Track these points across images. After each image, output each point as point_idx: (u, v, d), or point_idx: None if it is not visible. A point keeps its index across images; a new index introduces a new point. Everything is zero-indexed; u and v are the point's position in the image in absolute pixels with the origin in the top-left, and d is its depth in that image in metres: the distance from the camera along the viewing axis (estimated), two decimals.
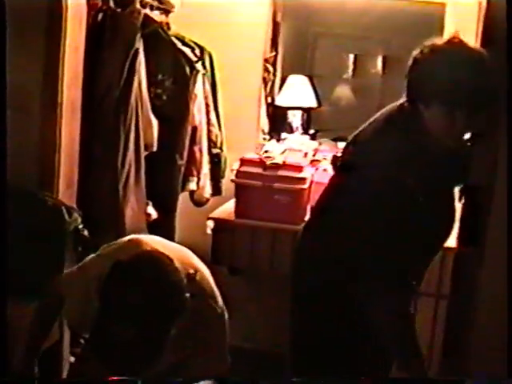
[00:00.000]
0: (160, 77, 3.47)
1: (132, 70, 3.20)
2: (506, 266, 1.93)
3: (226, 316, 2.21)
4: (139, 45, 3.24)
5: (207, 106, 3.81)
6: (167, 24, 3.61)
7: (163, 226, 3.50)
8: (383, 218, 2.04)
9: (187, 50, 3.59)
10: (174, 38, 3.55)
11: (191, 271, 2.06)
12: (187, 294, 1.91)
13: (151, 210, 3.49)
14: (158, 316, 1.86)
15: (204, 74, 3.73)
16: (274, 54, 4.28)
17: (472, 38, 3.60)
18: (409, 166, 2.03)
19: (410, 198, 2.02)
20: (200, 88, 3.69)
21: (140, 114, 3.27)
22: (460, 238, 2.92)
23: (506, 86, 1.98)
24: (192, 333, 2.03)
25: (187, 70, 3.54)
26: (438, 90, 2.05)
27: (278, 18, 4.27)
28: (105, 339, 1.87)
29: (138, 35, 3.23)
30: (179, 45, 3.56)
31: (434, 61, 2.08)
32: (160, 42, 3.46)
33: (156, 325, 1.86)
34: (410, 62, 2.11)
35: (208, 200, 3.90)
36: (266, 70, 4.17)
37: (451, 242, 2.88)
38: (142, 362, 1.88)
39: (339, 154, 2.37)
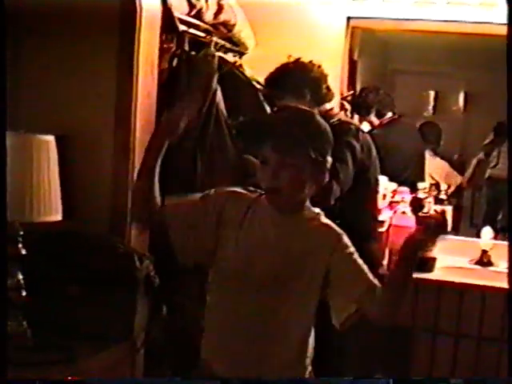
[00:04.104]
0: (241, 118, 3.43)
1: (210, 112, 3.16)
2: None
3: None
4: (217, 86, 3.21)
5: None
6: (240, 66, 3.58)
7: None
8: None
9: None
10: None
11: None
12: None
13: None
14: None
15: None
16: (351, 92, 4.21)
17: None
18: None
19: None
20: None
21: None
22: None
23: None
24: None
25: (267, 109, 3.49)
26: None
27: (355, 56, 4.21)
28: None
29: (216, 77, 3.21)
30: (256, 84, 3.52)
31: None
32: (237, 83, 3.43)
33: None
34: None
35: None
36: (342, 107, 4.09)
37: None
38: None
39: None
